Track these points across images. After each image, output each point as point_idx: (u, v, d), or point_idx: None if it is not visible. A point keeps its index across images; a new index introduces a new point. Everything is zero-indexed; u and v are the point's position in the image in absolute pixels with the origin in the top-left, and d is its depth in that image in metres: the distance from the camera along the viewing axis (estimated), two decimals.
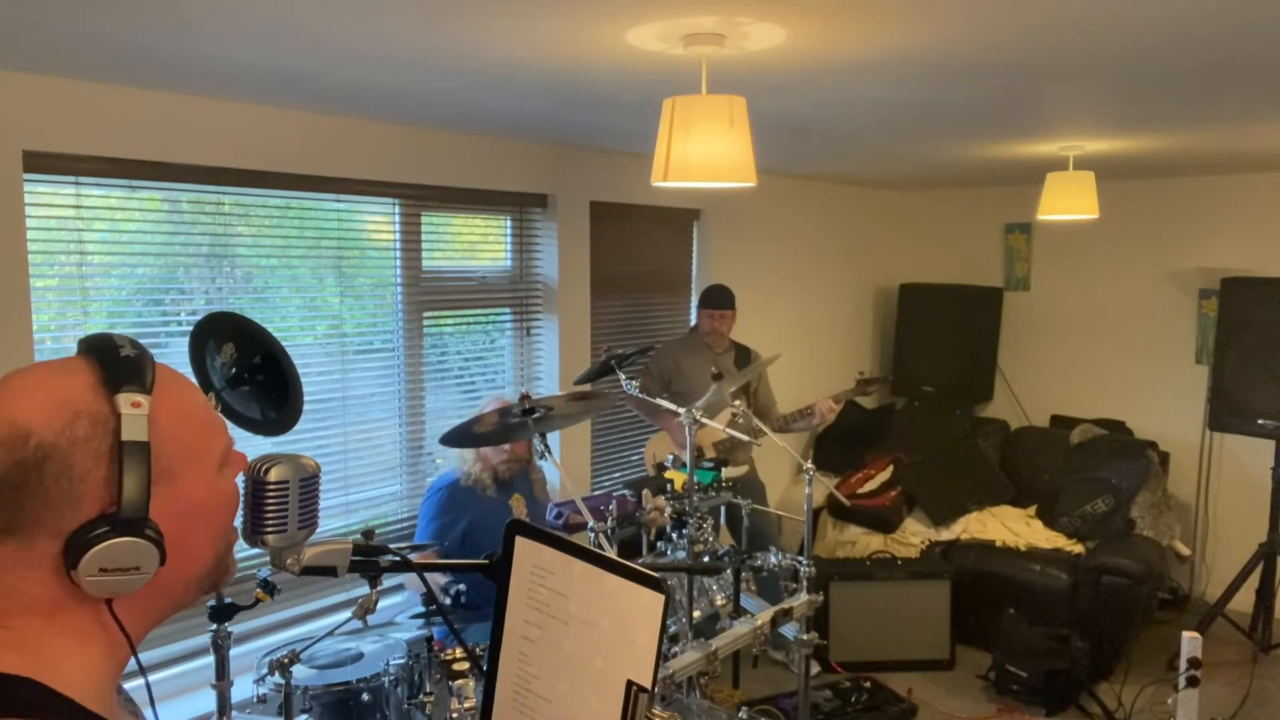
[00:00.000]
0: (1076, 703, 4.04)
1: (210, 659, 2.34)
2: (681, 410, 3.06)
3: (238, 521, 0.96)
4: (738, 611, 2.94)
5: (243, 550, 0.99)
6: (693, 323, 4.81)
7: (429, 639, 2.68)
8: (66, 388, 0.81)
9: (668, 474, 3.34)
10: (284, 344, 2.24)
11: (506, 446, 3.24)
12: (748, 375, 4.00)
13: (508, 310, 3.98)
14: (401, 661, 2.57)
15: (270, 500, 1.04)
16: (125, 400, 0.81)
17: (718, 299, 4.16)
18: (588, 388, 3.73)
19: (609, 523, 3.03)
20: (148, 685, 0.96)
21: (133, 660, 0.86)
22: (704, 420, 3.11)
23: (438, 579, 3.03)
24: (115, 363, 0.83)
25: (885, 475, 5.17)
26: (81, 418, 0.80)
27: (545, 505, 3.53)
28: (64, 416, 0.79)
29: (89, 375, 0.82)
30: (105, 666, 0.83)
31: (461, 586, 2.90)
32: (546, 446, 2.76)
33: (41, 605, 0.79)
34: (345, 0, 1.81)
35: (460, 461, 3.28)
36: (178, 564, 0.84)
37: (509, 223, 3.98)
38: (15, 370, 0.84)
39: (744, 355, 4.27)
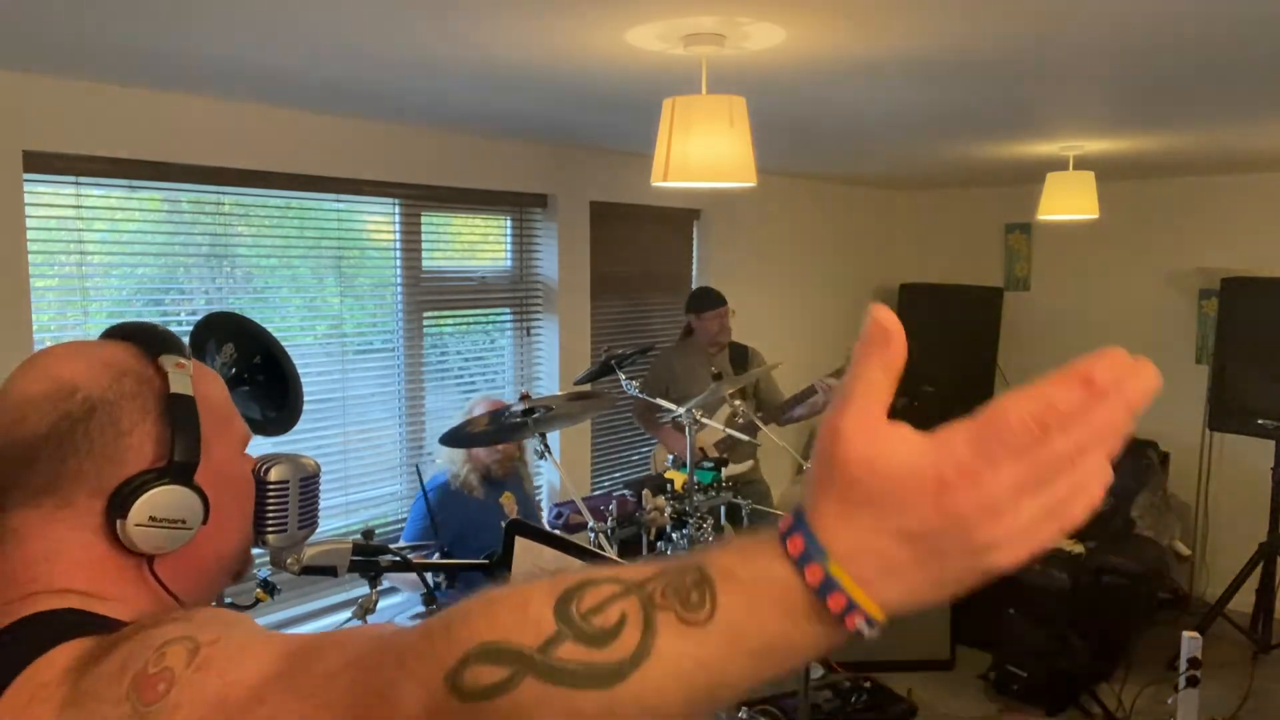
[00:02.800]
0: (1076, 703, 4.03)
1: None
2: (680, 409, 3.06)
3: None
4: None
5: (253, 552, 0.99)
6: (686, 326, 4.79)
7: None
8: (109, 353, 0.82)
9: (668, 474, 3.34)
10: (284, 344, 2.24)
11: (499, 446, 3.23)
12: (746, 379, 3.99)
13: (508, 310, 3.98)
14: None
15: (270, 500, 1.04)
16: (169, 361, 0.82)
17: (714, 298, 4.12)
18: (588, 388, 3.73)
19: (609, 523, 3.03)
20: None
21: None
22: (704, 420, 3.11)
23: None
24: (150, 335, 0.84)
25: None
26: (128, 375, 0.80)
27: (533, 501, 3.53)
28: (110, 373, 0.80)
29: (127, 347, 0.83)
30: None
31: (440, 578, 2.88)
32: (546, 447, 2.75)
33: (84, 568, 0.78)
34: (345, 0, 1.81)
35: (449, 464, 3.25)
36: (214, 533, 0.84)
37: (509, 223, 3.98)
38: (48, 346, 0.85)
39: (740, 354, 4.25)
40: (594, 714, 0.50)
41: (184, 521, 0.80)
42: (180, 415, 0.80)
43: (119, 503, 0.77)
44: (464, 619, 0.55)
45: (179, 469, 0.80)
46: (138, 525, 0.77)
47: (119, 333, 0.87)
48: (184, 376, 0.82)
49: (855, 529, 0.50)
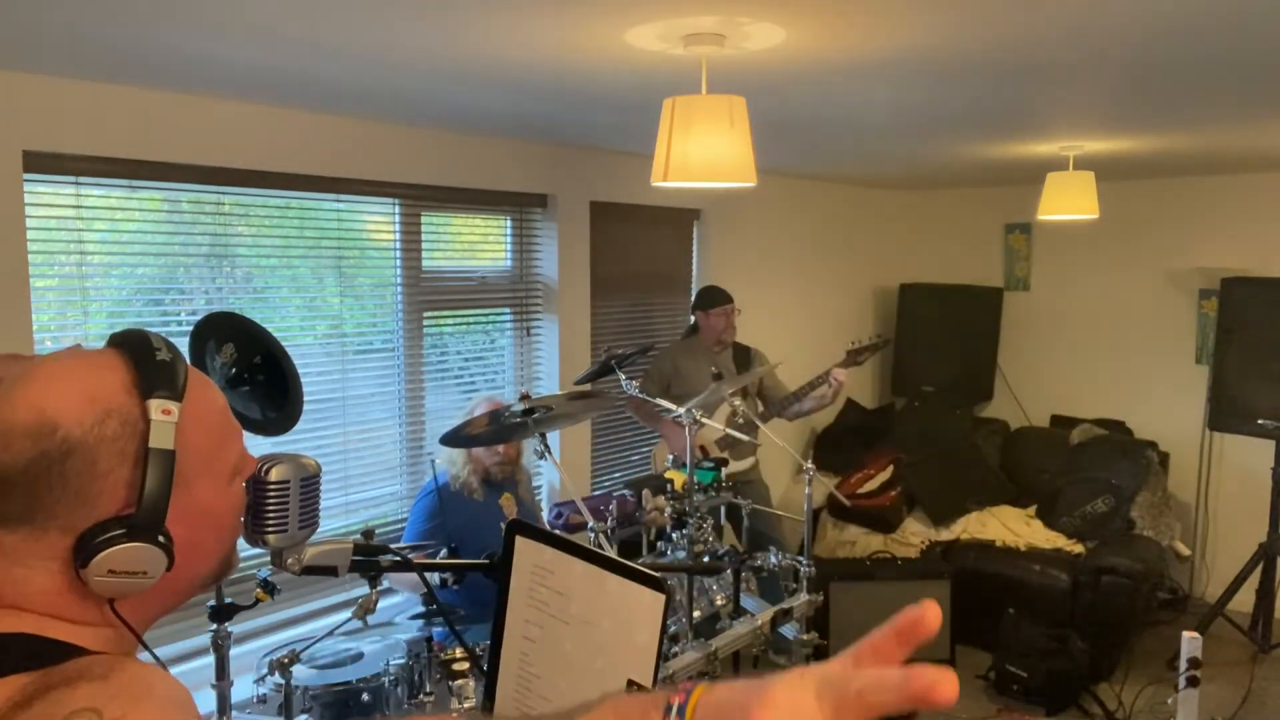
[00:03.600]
0: (1076, 703, 4.04)
1: (210, 659, 2.34)
2: (680, 409, 3.06)
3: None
4: (738, 611, 2.94)
5: (243, 550, 0.99)
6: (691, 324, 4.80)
7: (429, 639, 2.68)
8: (100, 384, 0.81)
9: (668, 474, 3.34)
10: (284, 344, 2.24)
11: (500, 448, 3.23)
12: (746, 379, 3.99)
13: (508, 310, 3.98)
14: (401, 661, 2.56)
15: (271, 500, 1.04)
16: (157, 406, 0.81)
17: (722, 295, 4.14)
18: (588, 388, 3.73)
19: (609, 523, 3.03)
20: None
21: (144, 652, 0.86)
22: (704, 420, 3.11)
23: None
24: (151, 366, 0.83)
25: (885, 475, 5.17)
26: (112, 416, 0.79)
27: (533, 503, 3.53)
28: (95, 413, 0.79)
29: (123, 374, 0.82)
30: (111, 650, 0.82)
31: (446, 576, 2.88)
32: (546, 447, 2.75)
33: (47, 595, 0.79)
34: (345, 1, 1.81)
35: (449, 465, 3.25)
36: (185, 566, 0.85)
37: (509, 223, 3.98)
38: (47, 356, 0.83)
39: (743, 354, 4.26)
40: None
41: (145, 573, 0.81)
42: (153, 473, 0.80)
43: (81, 551, 0.78)
44: None
45: (142, 525, 0.80)
46: (97, 577, 0.78)
47: (124, 345, 0.85)
48: (168, 427, 0.81)
49: None
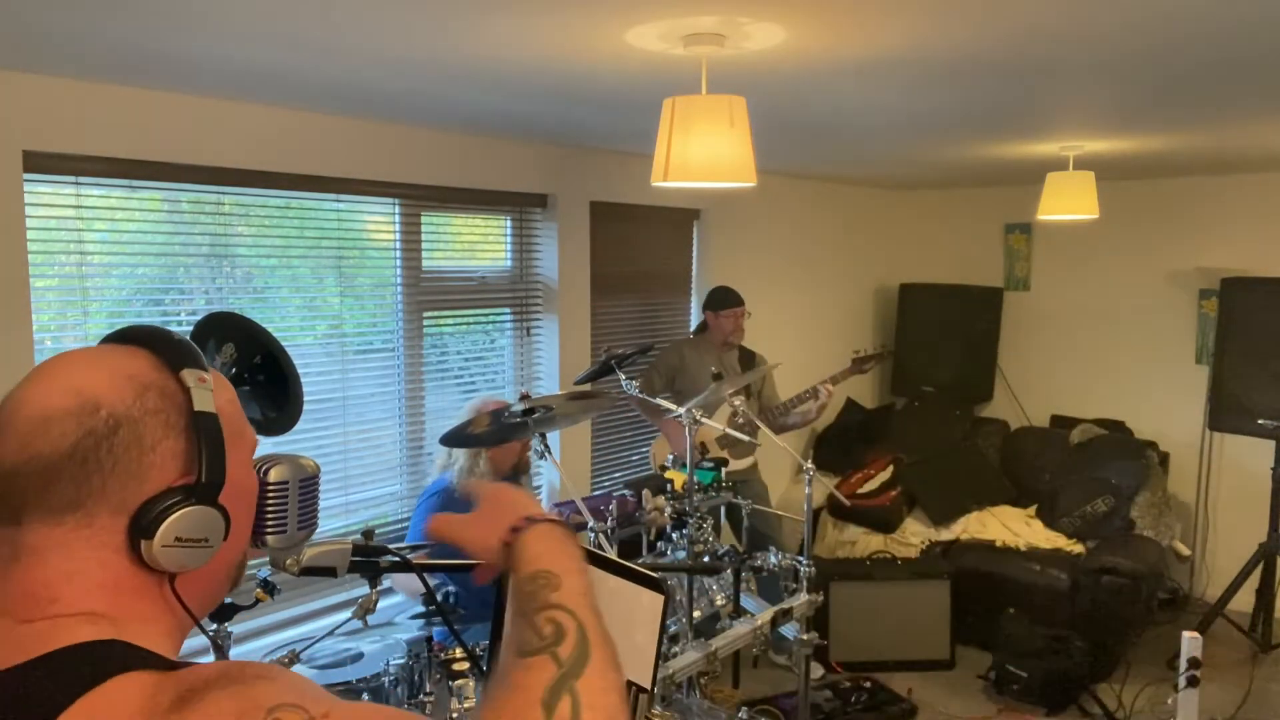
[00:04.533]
0: (1076, 703, 4.03)
1: (210, 659, 2.34)
2: (680, 409, 3.06)
3: None
4: (738, 611, 2.93)
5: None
6: (694, 324, 4.81)
7: (429, 639, 2.68)
8: (129, 363, 0.81)
9: (668, 474, 3.34)
10: (284, 344, 2.24)
11: (516, 445, 3.24)
12: (748, 379, 4.00)
13: (508, 310, 3.98)
14: (401, 661, 2.56)
15: (270, 501, 1.04)
16: (191, 376, 0.81)
17: (734, 297, 4.18)
18: (588, 387, 3.73)
19: (609, 523, 3.03)
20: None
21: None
22: (703, 420, 3.11)
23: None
24: (170, 346, 0.83)
25: (885, 475, 5.17)
26: (151, 390, 0.79)
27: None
28: (134, 388, 0.79)
29: (146, 356, 0.82)
30: (170, 647, 0.81)
31: (450, 587, 2.89)
32: (546, 447, 2.75)
33: (105, 589, 0.77)
34: (345, 1, 1.81)
35: (453, 465, 3.25)
36: (228, 544, 0.84)
37: (509, 223, 3.98)
38: (61, 353, 0.83)
39: (748, 357, 4.29)
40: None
41: (207, 540, 0.80)
42: (207, 434, 0.80)
43: (145, 523, 0.77)
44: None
45: (205, 489, 0.80)
46: (164, 546, 0.77)
47: (134, 338, 0.84)
48: (207, 392, 0.81)
49: None
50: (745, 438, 3.53)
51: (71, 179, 2.62)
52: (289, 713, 0.69)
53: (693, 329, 4.65)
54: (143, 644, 0.76)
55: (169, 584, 0.80)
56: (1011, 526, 4.88)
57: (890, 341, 6.06)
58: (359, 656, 2.67)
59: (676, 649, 2.68)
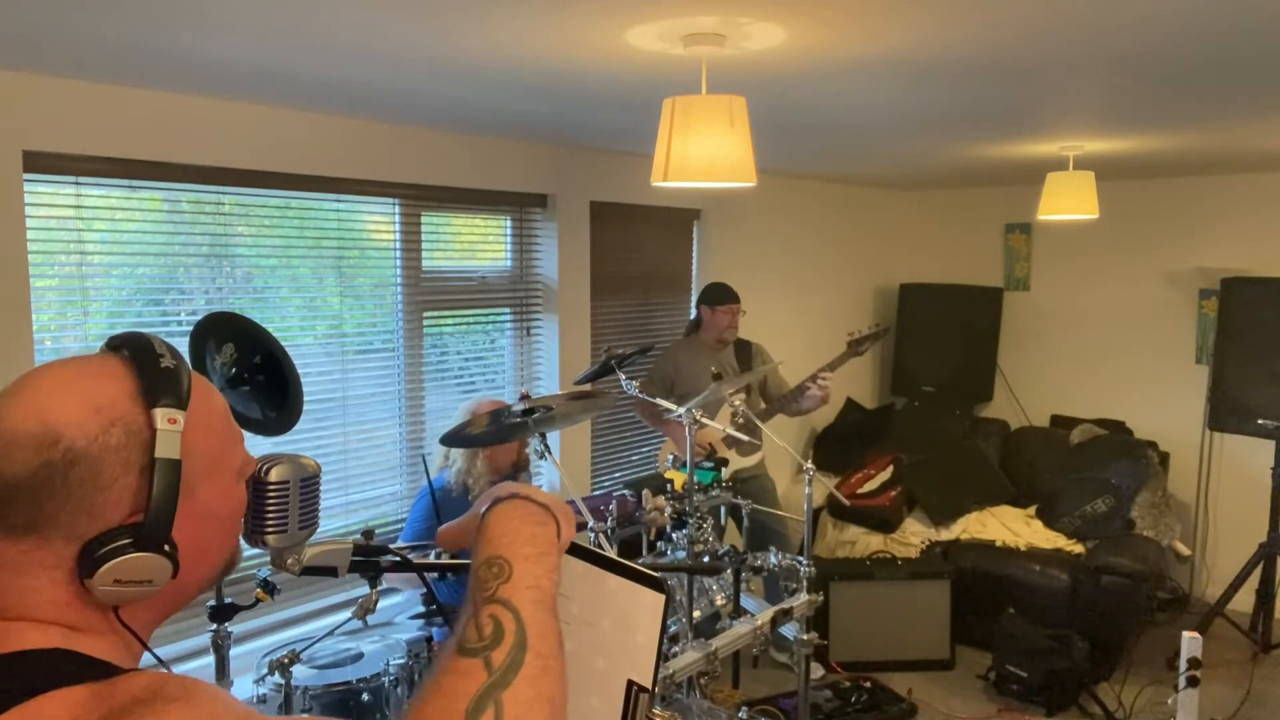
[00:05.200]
0: (1076, 703, 4.04)
1: (210, 659, 2.34)
2: (680, 410, 3.06)
3: None
4: (738, 611, 2.94)
5: (243, 550, 0.99)
6: (693, 319, 4.80)
7: (429, 639, 2.68)
8: (103, 392, 0.80)
9: (667, 474, 3.34)
10: (284, 344, 2.24)
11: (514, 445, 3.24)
12: (749, 378, 4.00)
13: (508, 310, 3.98)
14: (401, 661, 2.57)
15: (271, 500, 1.04)
16: (162, 415, 0.80)
17: (731, 293, 4.15)
18: (588, 387, 3.73)
19: (609, 523, 3.03)
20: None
21: (147, 655, 0.86)
22: (704, 420, 3.11)
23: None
24: (155, 374, 0.82)
25: (885, 475, 5.17)
26: (117, 426, 0.79)
27: None
28: (99, 422, 0.78)
29: (127, 382, 0.81)
30: (122, 658, 0.83)
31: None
32: (546, 447, 2.75)
33: (57, 605, 0.79)
34: (346, 1, 1.81)
35: (448, 465, 3.25)
36: (191, 569, 0.85)
37: (509, 223, 3.98)
38: (49, 363, 0.83)
39: (745, 350, 4.26)
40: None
41: (150, 582, 0.81)
42: (161, 481, 0.80)
43: (86, 562, 0.78)
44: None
45: (148, 535, 0.80)
46: (103, 587, 0.78)
47: (127, 352, 0.84)
48: (174, 437, 0.80)
49: None
50: (746, 438, 3.53)
51: (71, 179, 2.62)
52: None
53: (686, 327, 4.64)
54: (92, 653, 0.78)
55: (113, 613, 0.82)
56: (1011, 526, 4.88)
57: (890, 341, 6.07)
58: (359, 656, 2.67)
59: (676, 649, 2.68)
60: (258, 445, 2.44)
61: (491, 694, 0.77)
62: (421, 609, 2.85)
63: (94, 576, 0.78)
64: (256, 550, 1.07)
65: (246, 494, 0.96)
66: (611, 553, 1.39)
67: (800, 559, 3.06)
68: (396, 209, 3.51)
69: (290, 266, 3.22)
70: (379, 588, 2.12)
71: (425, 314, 3.64)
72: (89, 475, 0.78)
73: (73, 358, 0.85)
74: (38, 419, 0.77)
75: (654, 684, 1.02)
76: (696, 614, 2.87)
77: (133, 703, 0.72)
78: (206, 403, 0.87)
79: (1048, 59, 2.30)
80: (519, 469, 3.42)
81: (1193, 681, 2.48)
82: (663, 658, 2.26)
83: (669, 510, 3.07)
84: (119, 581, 0.78)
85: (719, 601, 3.02)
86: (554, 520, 0.95)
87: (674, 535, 3.08)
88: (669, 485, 3.26)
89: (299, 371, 2.24)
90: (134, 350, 0.84)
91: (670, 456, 3.85)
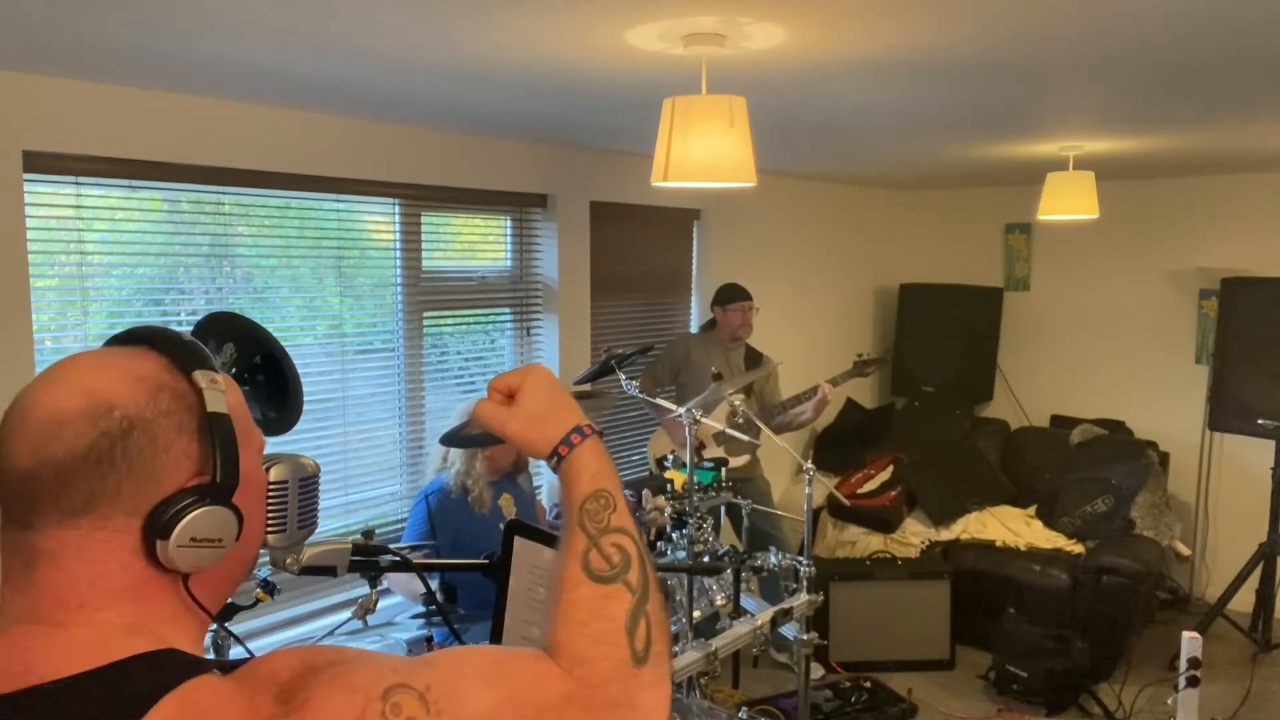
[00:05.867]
0: (1076, 703, 4.04)
1: (208, 657, 2.34)
2: (680, 409, 3.06)
3: None
4: (738, 611, 2.93)
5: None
6: (694, 323, 4.82)
7: (429, 639, 2.68)
8: (140, 366, 0.81)
9: (668, 474, 3.34)
10: (284, 344, 2.24)
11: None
12: (751, 378, 4.01)
13: (508, 310, 3.98)
14: None
15: (270, 500, 1.04)
16: (203, 377, 0.81)
17: (741, 291, 4.20)
18: (588, 387, 3.73)
19: None
20: (247, 652, 0.98)
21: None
22: (703, 419, 3.11)
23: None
24: (180, 347, 0.84)
25: (885, 475, 5.17)
26: (164, 391, 0.80)
27: (533, 500, 3.52)
28: (146, 389, 0.79)
29: (156, 358, 0.82)
30: (200, 648, 0.83)
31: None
32: None
33: (128, 592, 0.78)
34: (345, 1, 1.81)
35: (446, 468, 3.24)
36: (244, 538, 0.85)
37: (509, 223, 3.98)
38: (72, 355, 0.83)
39: (754, 357, 4.30)
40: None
41: (221, 541, 0.81)
42: (220, 435, 0.80)
43: (160, 524, 0.77)
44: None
45: (219, 490, 0.80)
46: (180, 547, 0.78)
47: (143, 339, 0.85)
48: (219, 394, 0.82)
49: None
50: (743, 436, 3.53)
51: (71, 179, 2.62)
52: (402, 695, 0.73)
53: (697, 326, 4.66)
54: (182, 649, 0.78)
55: (183, 584, 0.81)
56: (1011, 526, 4.88)
57: (890, 341, 6.07)
58: None
59: (676, 649, 2.68)
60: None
61: (640, 609, 0.90)
62: (421, 609, 2.85)
63: (171, 536, 0.77)
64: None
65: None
66: None
67: (800, 559, 3.06)
68: (396, 209, 3.51)
69: (290, 266, 3.22)
70: (379, 588, 2.12)
71: (425, 314, 3.64)
72: (147, 441, 0.77)
73: (94, 350, 0.85)
74: (84, 394, 0.77)
75: None
76: (696, 614, 2.87)
77: (299, 680, 0.73)
78: (226, 378, 0.88)
79: (1048, 59, 2.30)
80: (519, 469, 3.42)
81: (1193, 681, 2.48)
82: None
83: (669, 510, 3.07)
84: (195, 540, 0.78)
85: (719, 601, 3.01)
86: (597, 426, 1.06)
87: (674, 535, 3.08)
88: (669, 485, 3.26)
89: (299, 371, 2.23)
90: (149, 335, 0.85)
91: (670, 456, 3.85)
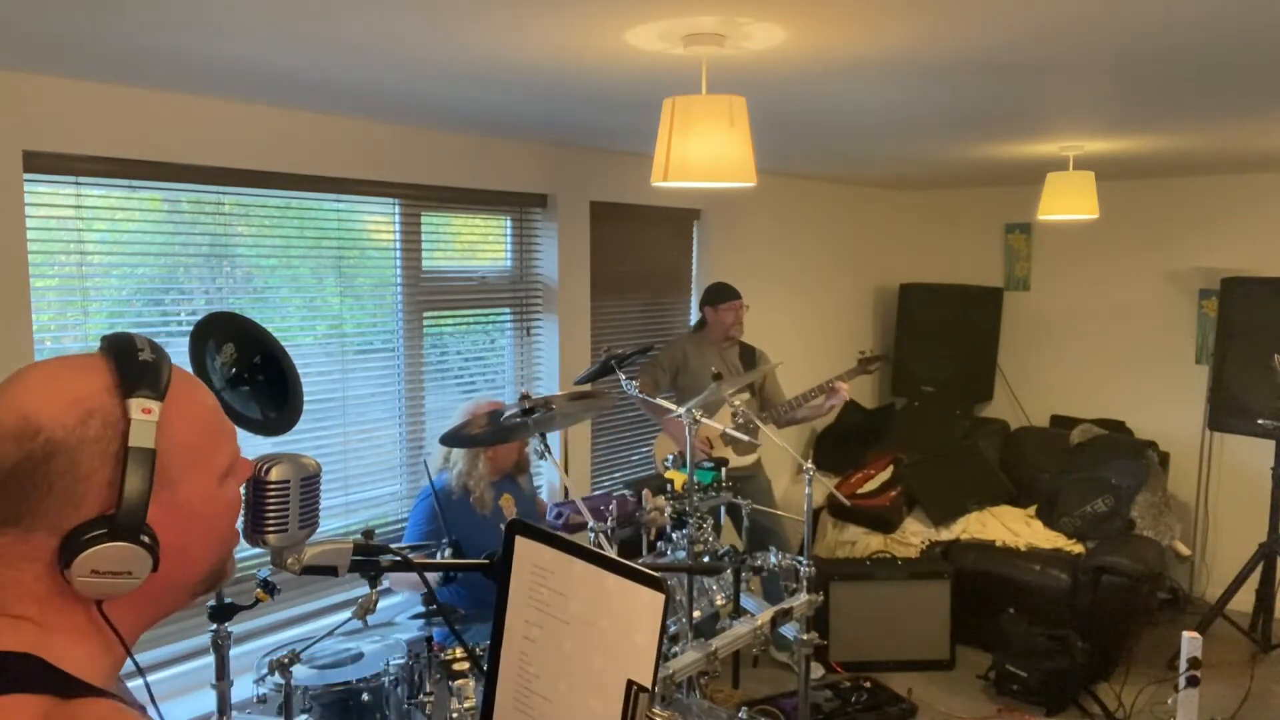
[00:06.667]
0: (1076, 703, 4.04)
1: (210, 659, 2.34)
2: (680, 409, 3.06)
3: (238, 523, 0.96)
4: (738, 611, 2.94)
5: (243, 550, 0.99)
6: (694, 321, 4.81)
7: (429, 639, 2.68)
8: (82, 386, 0.81)
9: (668, 474, 3.34)
10: (284, 344, 2.24)
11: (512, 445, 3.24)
12: (751, 378, 4.01)
13: (508, 310, 3.98)
14: (401, 661, 2.57)
15: (271, 500, 1.04)
16: (137, 405, 0.81)
17: (731, 291, 4.20)
18: (588, 387, 3.73)
19: (609, 523, 3.03)
20: (146, 685, 0.96)
21: (130, 661, 0.86)
22: (703, 420, 3.11)
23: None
24: (132, 366, 0.83)
25: (885, 475, 5.17)
26: (94, 416, 0.80)
27: (534, 499, 3.53)
28: (77, 414, 0.80)
29: (105, 376, 0.82)
30: (101, 662, 0.83)
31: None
32: (546, 446, 2.75)
33: (37, 599, 0.80)
34: (346, 1, 1.81)
35: (448, 468, 3.24)
36: (173, 569, 0.84)
37: (509, 223, 3.98)
38: (34, 363, 0.84)
39: (749, 355, 4.29)
40: None
41: (130, 573, 0.81)
42: (133, 469, 0.80)
43: (64, 551, 0.79)
44: None
45: (122, 525, 0.80)
46: (81, 578, 0.79)
47: (107, 348, 0.85)
48: (148, 426, 0.81)
49: None
50: (745, 437, 3.53)
51: (71, 179, 2.62)
52: None
53: (691, 326, 4.65)
54: (65, 660, 0.78)
55: (96, 608, 0.82)
56: (1011, 526, 4.88)
57: (890, 341, 6.07)
58: (359, 656, 2.67)
59: (676, 649, 2.68)
60: (258, 445, 2.44)
61: None
62: (421, 609, 2.85)
63: (71, 566, 0.78)
64: (257, 550, 1.07)
65: (239, 496, 0.95)
66: (611, 553, 1.38)
67: (800, 559, 3.06)
68: (396, 209, 3.51)
69: (290, 266, 3.22)
70: (379, 588, 2.12)
71: (425, 314, 3.64)
72: (67, 466, 0.79)
73: (62, 356, 0.86)
74: (19, 412, 0.79)
75: (654, 684, 1.02)
76: (696, 614, 2.87)
77: None
78: (189, 396, 0.87)
79: (1048, 59, 2.30)
80: (520, 470, 3.42)
81: (1193, 681, 2.48)
82: (662, 658, 2.26)
83: (669, 510, 3.07)
84: (96, 572, 0.79)
85: (719, 601, 3.02)
86: None
87: (674, 535, 3.08)
88: (669, 485, 3.26)
89: (299, 371, 2.23)
90: (114, 346, 0.85)
91: (670, 456, 3.86)
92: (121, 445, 0.80)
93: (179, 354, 2.40)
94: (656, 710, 2.40)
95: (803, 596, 3.03)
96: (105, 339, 0.87)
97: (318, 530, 1.12)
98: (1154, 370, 5.40)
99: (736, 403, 3.46)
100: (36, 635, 0.78)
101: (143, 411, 0.81)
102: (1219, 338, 4.77)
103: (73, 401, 0.80)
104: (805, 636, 3.05)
